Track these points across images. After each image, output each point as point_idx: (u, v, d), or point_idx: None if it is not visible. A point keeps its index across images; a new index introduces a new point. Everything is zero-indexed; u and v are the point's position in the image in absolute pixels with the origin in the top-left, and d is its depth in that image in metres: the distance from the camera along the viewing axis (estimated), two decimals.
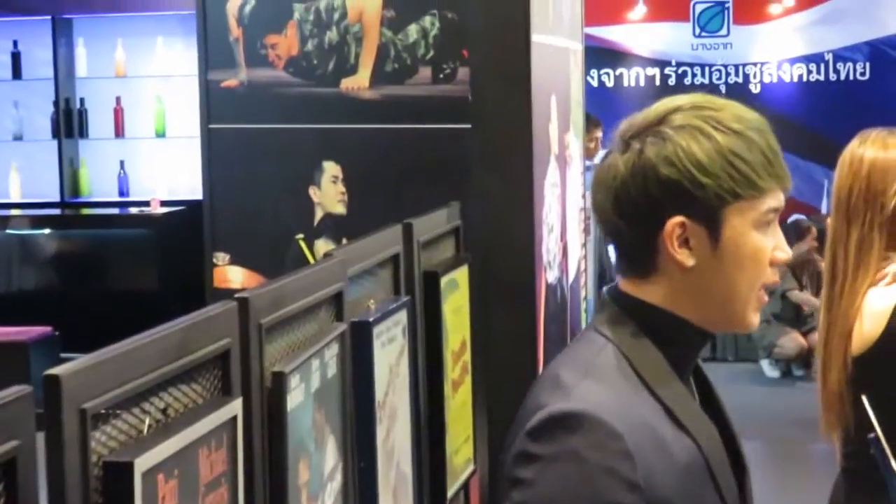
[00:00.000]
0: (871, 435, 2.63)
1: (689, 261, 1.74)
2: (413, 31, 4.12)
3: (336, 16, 4.17)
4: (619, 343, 1.77)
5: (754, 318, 1.80)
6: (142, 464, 1.51)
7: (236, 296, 1.95)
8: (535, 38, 3.99)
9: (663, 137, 1.73)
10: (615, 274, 1.87)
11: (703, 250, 1.74)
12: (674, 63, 10.20)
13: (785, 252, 1.79)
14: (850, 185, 3.15)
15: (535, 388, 1.78)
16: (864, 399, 2.81)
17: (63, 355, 6.77)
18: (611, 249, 1.72)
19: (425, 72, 4.13)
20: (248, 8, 4.27)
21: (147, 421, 1.63)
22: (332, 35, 4.18)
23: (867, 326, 3.10)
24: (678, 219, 1.72)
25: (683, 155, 1.71)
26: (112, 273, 8.49)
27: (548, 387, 1.73)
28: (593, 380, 1.72)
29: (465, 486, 3.35)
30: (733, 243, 1.74)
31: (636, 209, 1.75)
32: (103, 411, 1.52)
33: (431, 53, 4.12)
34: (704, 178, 1.71)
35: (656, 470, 1.67)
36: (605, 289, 1.87)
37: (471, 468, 3.39)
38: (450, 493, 3.12)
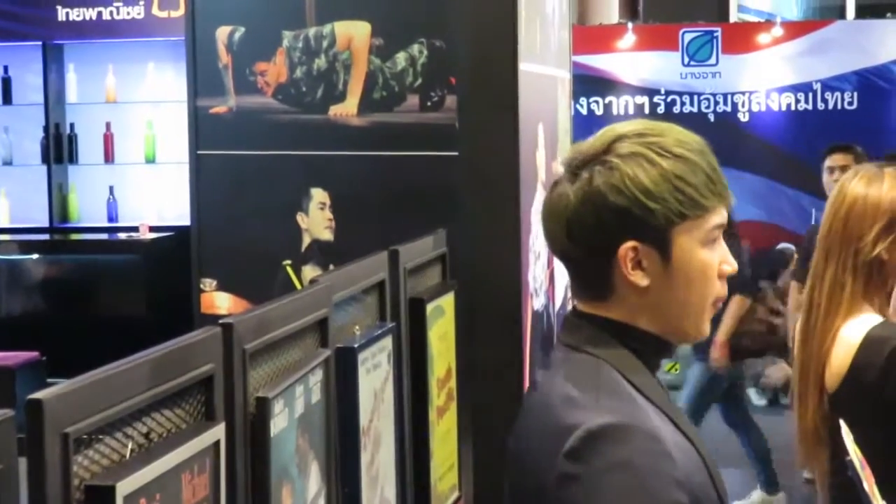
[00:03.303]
0: (848, 458, 2.64)
1: (643, 281, 1.82)
2: (401, 59, 4.14)
3: (325, 43, 4.19)
4: (609, 359, 1.82)
5: (706, 329, 1.89)
6: (124, 488, 1.52)
7: (220, 321, 1.96)
8: (523, 66, 4.01)
9: (610, 167, 1.80)
10: (571, 297, 1.93)
11: (656, 270, 1.82)
12: (663, 91, 10.23)
13: (731, 265, 1.87)
14: (830, 222, 3.15)
15: (544, 412, 1.80)
16: (842, 422, 2.82)
17: (50, 380, 6.75)
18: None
19: (413, 99, 4.14)
20: (237, 35, 4.29)
21: (130, 445, 1.63)
22: (320, 62, 4.20)
23: (838, 359, 3.10)
24: (630, 243, 1.80)
25: (631, 182, 1.78)
26: (100, 298, 8.48)
27: (565, 408, 1.76)
28: (608, 393, 1.77)
29: None
30: (683, 261, 1.82)
31: (589, 236, 1.82)
32: (86, 436, 1.53)
33: (419, 81, 4.14)
34: (652, 203, 1.78)
35: (687, 469, 1.74)
36: (568, 313, 1.92)
37: (455, 495, 3.39)
38: None
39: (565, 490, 1.69)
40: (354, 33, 4.16)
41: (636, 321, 1.84)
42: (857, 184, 3.15)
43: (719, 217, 1.83)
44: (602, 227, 1.80)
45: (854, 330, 3.08)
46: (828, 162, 6.53)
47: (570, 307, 1.95)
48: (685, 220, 1.80)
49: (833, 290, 3.12)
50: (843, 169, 6.47)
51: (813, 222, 6.89)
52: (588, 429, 1.70)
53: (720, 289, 1.86)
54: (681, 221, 1.80)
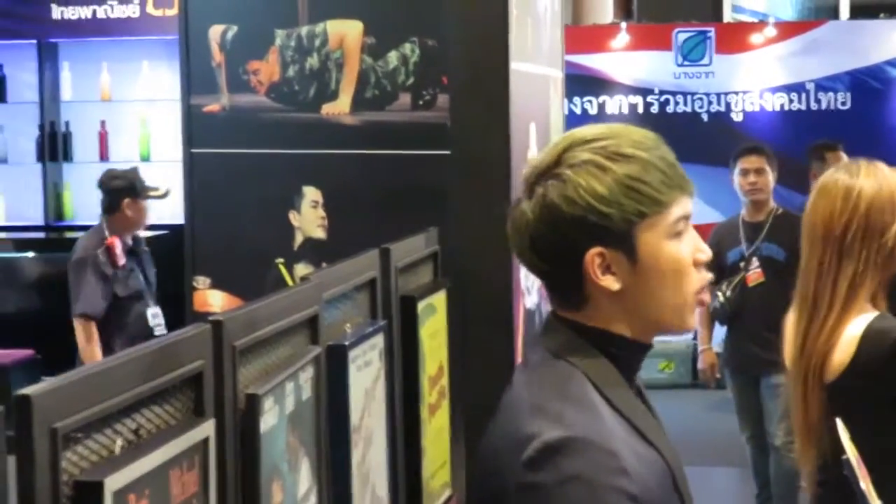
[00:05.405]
0: (844, 456, 2.66)
1: (614, 285, 1.82)
2: (393, 57, 4.15)
3: (317, 42, 4.20)
4: (582, 367, 1.83)
5: (691, 320, 1.89)
6: (112, 483, 1.53)
7: (210, 318, 1.97)
8: (514, 65, 4.03)
9: (562, 178, 1.80)
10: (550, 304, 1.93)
11: (626, 272, 1.82)
12: (656, 91, 10.25)
13: (705, 252, 1.87)
14: (846, 220, 3.15)
15: (511, 415, 1.82)
16: (838, 421, 2.83)
17: (44, 378, 6.74)
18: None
19: (405, 98, 4.15)
20: (230, 34, 4.30)
21: (119, 441, 1.64)
22: (313, 61, 4.21)
23: (839, 353, 3.12)
24: (595, 249, 1.80)
25: (584, 191, 1.79)
26: None
27: (529, 415, 1.78)
28: (574, 405, 1.77)
29: None
30: (651, 258, 1.82)
31: (553, 250, 1.82)
32: (75, 432, 1.54)
33: (411, 80, 4.14)
34: (607, 208, 1.78)
35: (647, 482, 1.74)
36: (549, 314, 1.92)
37: (448, 493, 3.40)
38: None
39: (522, 499, 1.72)
40: (347, 32, 4.17)
41: (614, 326, 1.85)
42: (867, 178, 3.17)
43: (682, 209, 1.83)
44: (564, 239, 1.80)
45: (856, 323, 3.11)
46: (742, 164, 6.48)
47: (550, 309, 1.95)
48: (645, 218, 1.80)
49: (852, 287, 3.13)
50: (758, 171, 6.45)
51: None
52: (545, 441, 1.72)
53: (699, 278, 1.86)
54: (641, 220, 1.80)
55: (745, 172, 6.47)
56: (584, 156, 1.81)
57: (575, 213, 1.79)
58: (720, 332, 6.74)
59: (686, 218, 1.84)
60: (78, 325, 6.40)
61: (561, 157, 1.82)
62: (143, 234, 8.63)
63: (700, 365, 6.91)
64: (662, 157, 1.83)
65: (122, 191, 6.49)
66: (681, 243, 1.84)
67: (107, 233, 6.48)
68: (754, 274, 6.37)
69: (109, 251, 6.38)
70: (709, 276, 1.89)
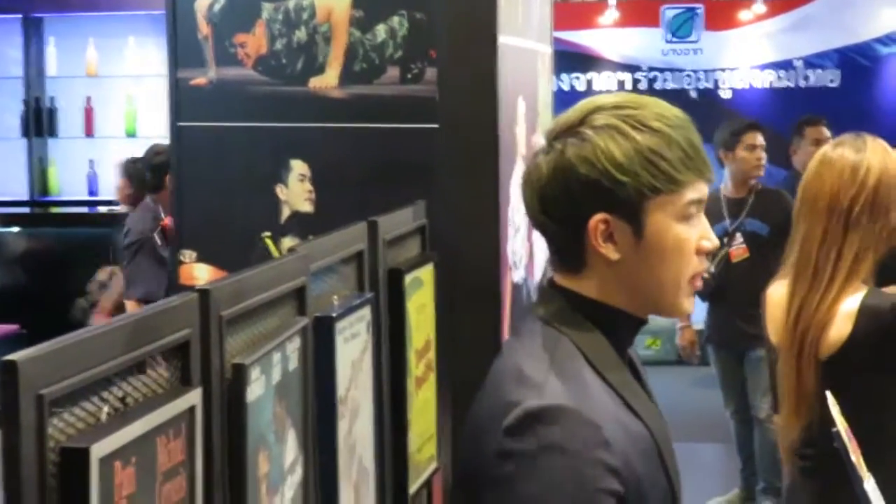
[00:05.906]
0: (834, 429, 2.67)
1: (613, 255, 1.81)
2: (381, 31, 4.13)
3: (305, 15, 4.18)
4: (572, 335, 1.83)
5: (686, 305, 1.88)
6: (98, 450, 1.52)
7: (197, 287, 1.97)
8: (503, 39, 4.01)
9: (583, 138, 1.79)
10: (549, 269, 1.93)
11: (627, 244, 1.81)
12: (645, 68, 10.26)
13: (711, 240, 1.86)
14: (853, 194, 3.15)
15: (496, 383, 1.82)
16: (828, 394, 2.85)
17: None
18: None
19: (393, 72, 4.13)
20: (217, 7, 4.27)
21: (105, 409, 1.64)
22: (300, 34, 4.19)
23: (835, 329, 3.13)
24: (601, 215, 1.79)
25: (601, 154, 1.77)
26: (80, 272, 8.47)
27: (513, 382, 1.78)
28: (559, 373, 1.77)
29: (428, 484, 3.37)
30: (656, 236, 1.81)
31: (560, 208, 1.82)
32: (61, 399, 1.53)
33: (399, 53, 4.13)
34: (622, 176, 1.77)
35: (629, 454, 1.74)
36: (545, 282, 1.92)
37: (433, 466, 3.40)
38: (412, 489, 3.13)
39: (501, 466, 1.72)
40: (334, 5, 4.15)
41: (609, 297, 1.84)
42: (872, 156, 3.18)
43: (696, 192, 1.82)
44: (572, 198, 1.80)
45: (850, 301, 3.13)
46: (750, 140, 6.52)
47: (547, 276, 1.95)
48: (659, 195, 1.79)
49: (857, 260, 3.15)
50: (762, 147, 6.51)
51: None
52: (526, 408, 1.72)
53: (698, 264, 1.85)
54: (654, 196, 1.79)
55: (753, 148, 6.50)
56: (608, 120, 1.80)
57: (589, 176, 1.78)
58: (700, 309, 6.75)
59: (699, 202, 1.83)
60: (133, 309, 6.34)
61: (585, 118, 1.81)
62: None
63: (679, 342, 6.92)
64: (687, 138, 1.82)
65: (164, 166, 6.39)
66: (689, 227, 1.82)
67: (162, 213, 6.37)
68: (738, 249, 6.38)
69: (165, 232, 6.30)
70: (704, 264, 1.88)
